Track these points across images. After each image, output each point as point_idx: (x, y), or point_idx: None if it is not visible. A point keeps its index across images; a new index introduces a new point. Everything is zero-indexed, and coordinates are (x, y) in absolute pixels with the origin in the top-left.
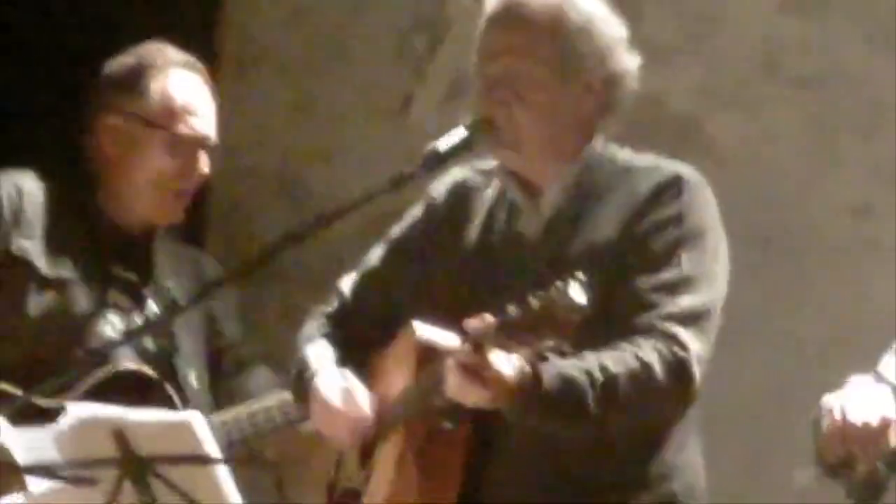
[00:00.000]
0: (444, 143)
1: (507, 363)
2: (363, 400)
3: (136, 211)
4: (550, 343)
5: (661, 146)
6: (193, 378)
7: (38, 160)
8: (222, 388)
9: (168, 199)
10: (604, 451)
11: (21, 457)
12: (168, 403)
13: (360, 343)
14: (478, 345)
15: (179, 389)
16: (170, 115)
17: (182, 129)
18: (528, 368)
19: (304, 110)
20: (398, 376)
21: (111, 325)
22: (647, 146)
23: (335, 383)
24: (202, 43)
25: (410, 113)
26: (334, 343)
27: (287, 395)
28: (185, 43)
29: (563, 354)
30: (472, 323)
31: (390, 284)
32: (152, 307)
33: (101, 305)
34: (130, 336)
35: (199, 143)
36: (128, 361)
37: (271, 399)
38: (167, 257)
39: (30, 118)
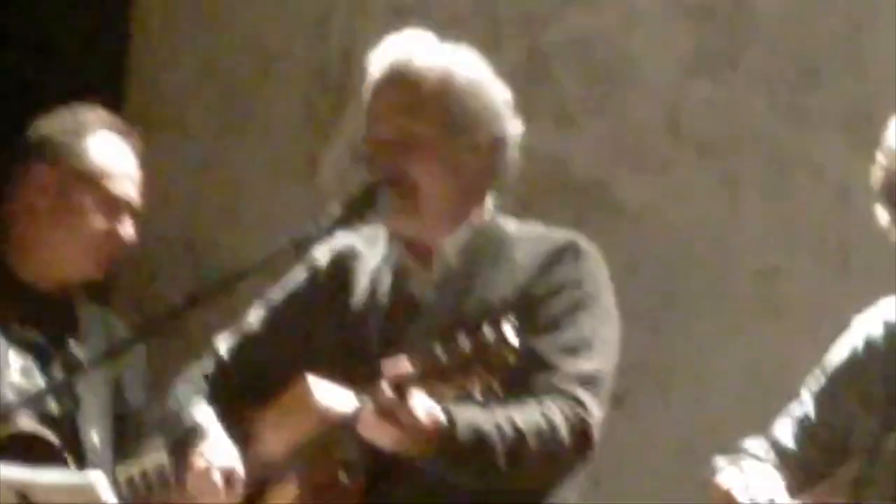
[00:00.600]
0: (344, 206)
1: (425, 410)
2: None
3: (54, 267)
4: (480, 384)
5: (568, 207)
6: (95, 438)
7: None
8: (126, 452)
9: (92, 258)
10: (495, 499)
11: None
12: (63, 465)
13: (234, 401)
14: (398, 386)
15: (79, 449)
16: (104, 174)
17: (115, 188)
18: (443, 416)
19: (209, 171)
20: (286, 429)
21: (11, 386)
22: (554, 207)
23: (220, 456)
24: (108, 99)
25: (316, 175)
26: (212, 403)
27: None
28: (90, 99)
29: (495, 395)
30: (391, 365)
31: (269, 347)
32: (56, 369)
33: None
34: (33, 399)
35: (128, 206)
36: (26, 422)
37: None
38: (87, 318)
39: None
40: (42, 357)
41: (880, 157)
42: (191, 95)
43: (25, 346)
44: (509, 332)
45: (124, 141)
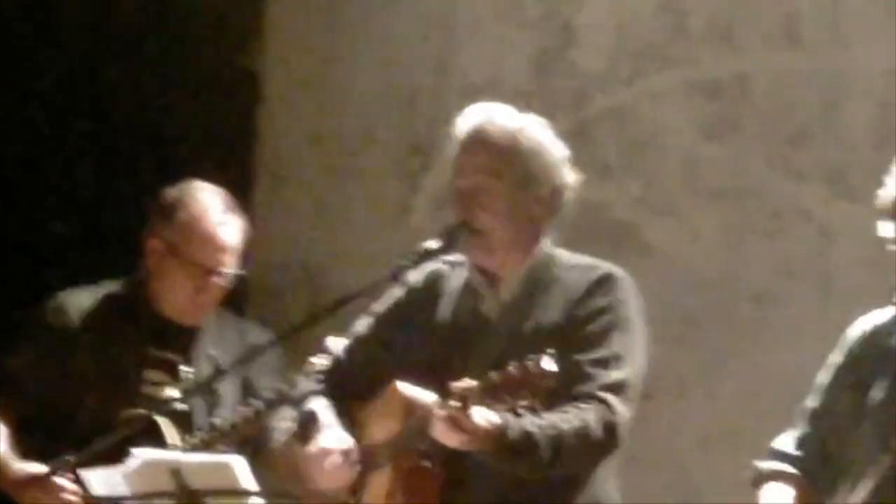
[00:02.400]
0: (433, 243)
1: (483, 417)
2: (353, 461)
3: (167, 312)
4: (525, 402)
5: (605, 246)
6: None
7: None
8: None
9: (186, 308)
10: (544, 485)
11: (98, 491)
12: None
13: (346, 395)
14: (463, 400)
15: None
16: (191, 246)
17: (199, 259)
18: (498, 422)
19: (322, 217)
20: (384, 424)
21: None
22: (594, 247)
23: (337, 447)
24: (241, 162)
25: (408, 219)
26: (329, 397)
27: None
28: (227, 163)
29: (535, 412)
30: (458, 384)
31: (374, 350)
32: (187, 378)
33: (138, 380)
34: (182, 396)
35: (210, 271)
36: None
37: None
38: (214, 332)
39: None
40: (175, 373)
41: (889, 181)
42: (308, 156)
43: (160, 365)
44: (548, 363)
45: (220, 214)
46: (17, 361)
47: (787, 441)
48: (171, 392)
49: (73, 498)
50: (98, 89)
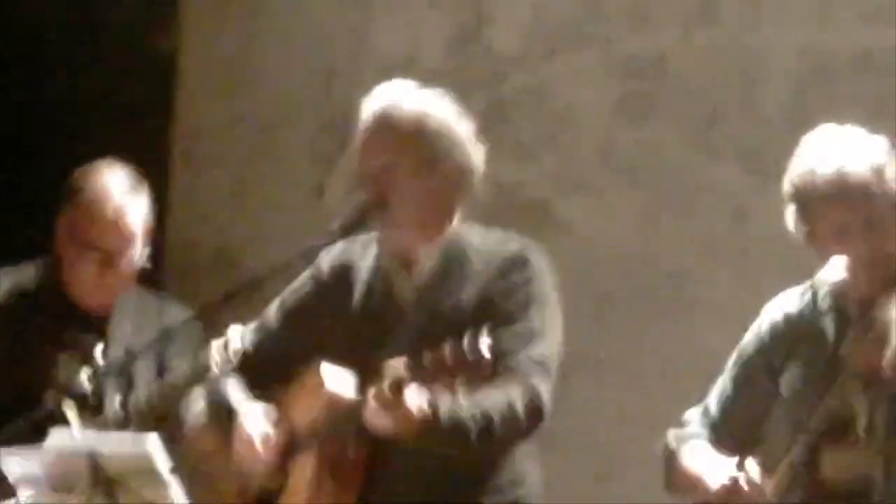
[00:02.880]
0: (343, 222)
1: (416, 402)
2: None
3: (76, 298)
4: (459, 386)
5: (522, 225)
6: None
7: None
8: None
9: (91, 292)
10: (468, 465)
11: (14, 472)
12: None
13: (257, 382)
14: (397, 385)
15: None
16: (90, 229)
17: (98, 243)
18: (429, 410)
19: (238, 197)
20: (305, 407)
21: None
22: (511, 225)
23: (259, 427)
24: (158, 143)
25: (323, 199)
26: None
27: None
28: (142, 143)
29: (466, 399)
30: (393, 365)
31: (282, 338)
32: (100, 361)
33: (51, 363)
34: (95, 377)
35: (111, 253)
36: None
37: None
38: (132, 311)
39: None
40: (84, 353)
41: (792, 168)
42: (225, 137)
43: (69, 347)
44: (485, 347)
45: (126, 199)
46: None
47: (696, 415)
48: (84, 374)
49: None
50: (7, 71)
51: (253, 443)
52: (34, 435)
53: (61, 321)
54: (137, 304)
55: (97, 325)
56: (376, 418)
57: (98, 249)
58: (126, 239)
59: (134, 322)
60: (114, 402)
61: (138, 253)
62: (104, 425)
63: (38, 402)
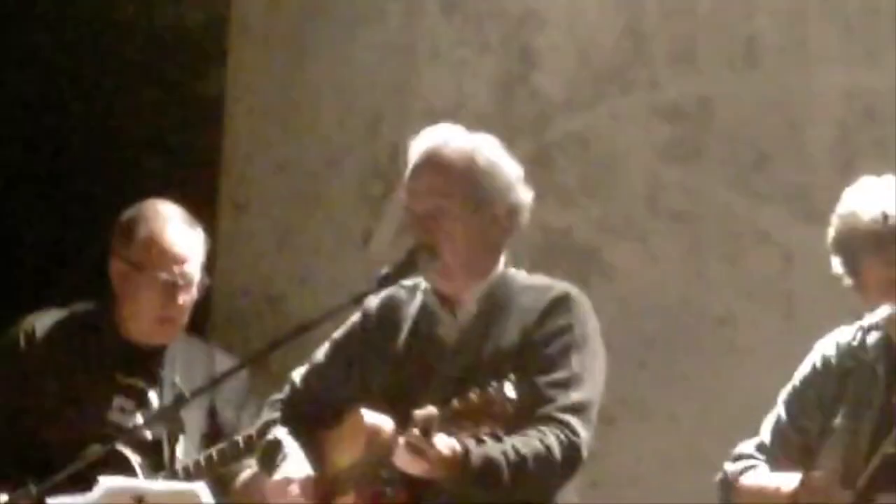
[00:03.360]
0: (391, 268)
1: (446, 445)
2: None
3: (134, 333)
4: (487, 429)
5: (568, 271)
6: (180, 451)
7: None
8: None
9: (155, 326)
10: None
11: None
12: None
13: (306, 424)
14: (425, 429)
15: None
16: (153, 259)
17: (162, 271)
18: (460, 449)
19: (286, 243)
20: (347, 450)
21: (110, 424)
22: (557, 271)
23: (294, 470)
24: (205, 189)
25: (370, 245)
26: (289, 424)
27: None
28: (190, 190)
29: (498, 438)
30: (420, 412)
31: (331, 378)
32: (154, 405)
33: (106, 406)
34: (142, 426)
35: (176, 285)
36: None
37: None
38: (179, 357)
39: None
40: (142, 400)
41: (834, 220)
42: (271, 183)
43: (126, 392)
44: (509, 389)
45: (177, 227)
46: None
47: (750, 447)
48: (138, 419)
49: None
50: (62, 118)
51: (293, 487)
52: (87, 479)
53: (115, 363)
54: (187, 350)
55: (149, 370)
56: (407, 462)
57: (162, 278)
58: (187, 268)
59: (183, 368)
60: (169, 446)
61: (196, 286)
62: (160, 469)
63: (92, 443)
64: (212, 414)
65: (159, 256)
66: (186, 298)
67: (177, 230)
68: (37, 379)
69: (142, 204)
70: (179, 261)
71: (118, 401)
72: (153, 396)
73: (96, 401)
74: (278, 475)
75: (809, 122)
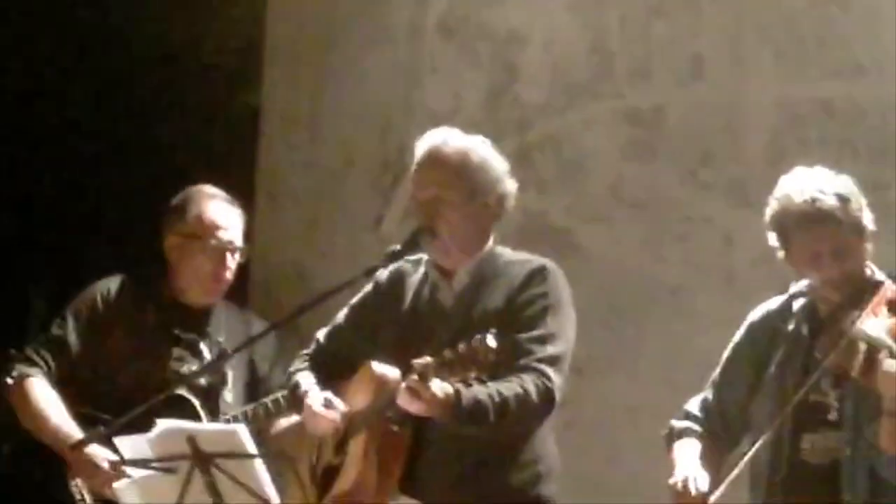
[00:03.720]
0: (398, 246)
1: (440, 388)
2: (337, 408)
3: (188, 294)
4: (474, 374)
5: (544, 248)
6: (230, 398)
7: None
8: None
9: (209, 284)
10: (493, 444)
11: (127, 454)
12: (197, 417)
13: (328, 374)
14: (422, 375)
15: (217, 409)
16: (206, 230)
17: (211, 241)
18: (452, 391)
19: (311, 227)
20: (360, 396)
21: (170, 370)
22: (535, 249)
23: (320, 397)
24: (244, 183)
25: (380, 227)
26: (314, 373)
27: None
28: (231, 184)
29: (483, 382)
30: (418, 361)
31: (350, 336)
32: (206, 356)
33: (167, 351)
34: (196, 374)
35: (224, 248)
36: (181, 390)
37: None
38: (222, 320)
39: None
40: (196, 351)
41: (772, 202)
42: (300, 178)
43: (184, 344)
44: (491, 340)
45: (220, 203)
46: (62, 332)
47: (696, 404)
48: (192, 368)
49: (104, 465)
50: (118, 126)
51: (317, 408)
52: (153, 421)
53: (172, 321)
54: (228, 314)
55: (200, 327)
56: (407, 402)
57: (215, 245)
58: (231, 235)
59: (226, 328)
60: (220, 392)
61: (239, 251)
62: (214, 413)
63: (156, 390)
64: (251, 368)
65: (211, 226)
66: (232, 260)
67: (219, 205)
68: (112, 333)
69: (188, 190)
70: (228, 229)
71: (177, 352)
72: (204, 348)
73: (159, 352)
74: (307, 404)
75: (745, 126)
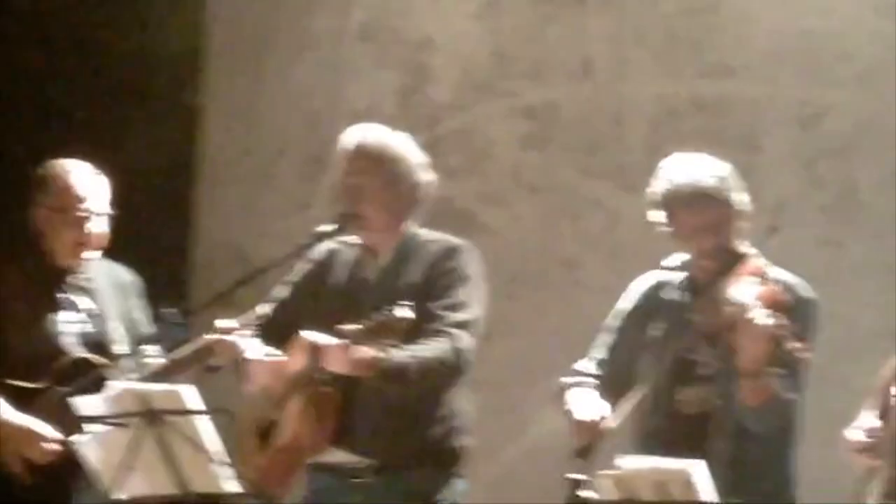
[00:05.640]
0: (325, 228)
1: (363, 351)
2: (276, 359)
3: (57, 256)
4: (390, 342)
5: (452, 228)
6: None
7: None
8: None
9: (76, 251)
10: (413, 401)
11: (85, 412)
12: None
13: (276, 342)
14: (348, 339)
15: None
16: (67, 205)
17: (75, 212)
18: (374, 352)
19: (248, 210)
20: (295, 362)
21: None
22: (445, 228)
23: (262, 351)
24: (187, 168)
25: (309, 211)
26: (263, 342)
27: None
28: (176, 169)
29: (396, 347)
30: (344, 328)
31: (286, 309)
32: (81, 307)
33: (51, 310)
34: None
35: (86, 215)
36: (80, 350)
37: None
38: (101, 277)
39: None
40: (70, 304)
41: (656, 183)
42: (238, 165)
43: (61, 302)
44: (402, 311)
45: (82, 174)
46: None
47: (585, 363)
48: (74, 324)
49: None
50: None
51: (259, 363)
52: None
53: (50, 283)
54: (101, 270)
55: (74, 284)
56: (337, 364)
57: (76, 218)
58: (93, 204)
59: (94, 280)
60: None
61: (102, 212)
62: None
63: (48, 350)
64: (131, 323)
65: (73, 201)
66: (93, 227)
67: (84, 179)
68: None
69: (52, 163)
70: (88, 201)
71: (63, 315)
72: (82, 304)
73: (44, 313)
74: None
75: (628, 119)
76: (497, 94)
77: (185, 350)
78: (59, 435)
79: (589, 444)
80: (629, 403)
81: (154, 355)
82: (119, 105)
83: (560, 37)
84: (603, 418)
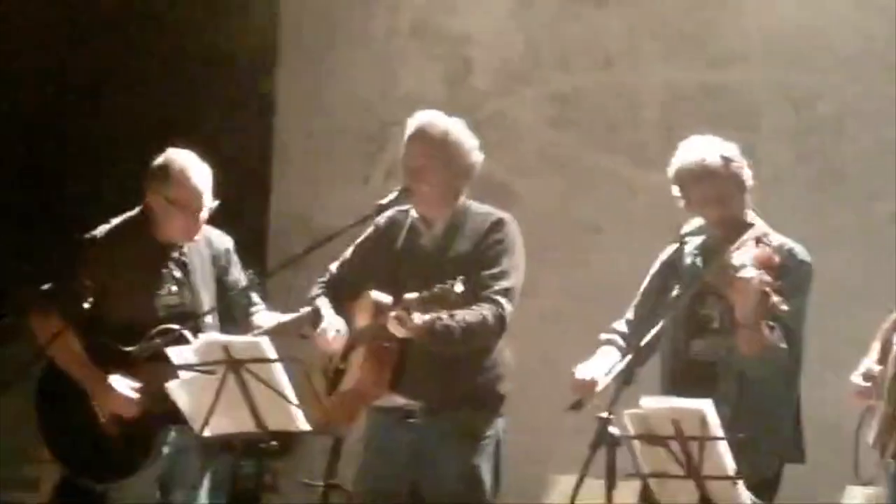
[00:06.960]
0: (385, 200)
1: (420, 318)
2: (343, 335)
3: (167, 238)
4: (445, 312)
5: (491, 198)
6: (210, 317)
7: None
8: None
9: (186, 236)
10: (463, 355)
11: (177, 361)
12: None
13: (339, 297)
14: (406, 308)
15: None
16: (181, 196)
17: (188, 204)
18: (429, 320)
19: (316, 185)
20: (361, 316)
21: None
22: (484, 199)
23: (333, 326)
24: (264, 153)
25: (368, 184)
26: (328, 298)
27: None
28: (255, 152)
29: (452, 317)
30: (406, 296)
31: (356, 268)
32: (177, 279)
33: (151, 282)
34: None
35: (199, 208)
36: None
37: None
38: (195, 252)
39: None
40: (176, 281)
41: (674, 161)
42: (306, 147)
43: (166, 277)
44: (457, 286)
45: (199, 167)
46: (73, 286)
47: (620, 323)
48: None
49: (132, 393)
50: (159, 120)
51: (329, 335)
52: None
53: (157, 258)
54: (196, 246)
55: (178, 258)
56: (395, 328)
57: (188, 209)
58: (204, 197)
59: (195, 259)
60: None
61: (211, 205)
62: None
63: (151, 318)
64: (221, 280)
65: (186, 193)
66: (205, 217)
67: (197, 172)
68: (108, 272)
69: (168, 153)
70: (200, 194)
71: (167, 286)
72: (182, 277)
73: (146, 287)
74: (321, 325)
75: (644, 103)
76: (529, 82)
77: (289, 318)
78: (137, 393)
79: (580, 399)
80: (617, 369)
81: (260, 307)
82: (205, 96)
83: (584, 32)
84: (594, 380)
